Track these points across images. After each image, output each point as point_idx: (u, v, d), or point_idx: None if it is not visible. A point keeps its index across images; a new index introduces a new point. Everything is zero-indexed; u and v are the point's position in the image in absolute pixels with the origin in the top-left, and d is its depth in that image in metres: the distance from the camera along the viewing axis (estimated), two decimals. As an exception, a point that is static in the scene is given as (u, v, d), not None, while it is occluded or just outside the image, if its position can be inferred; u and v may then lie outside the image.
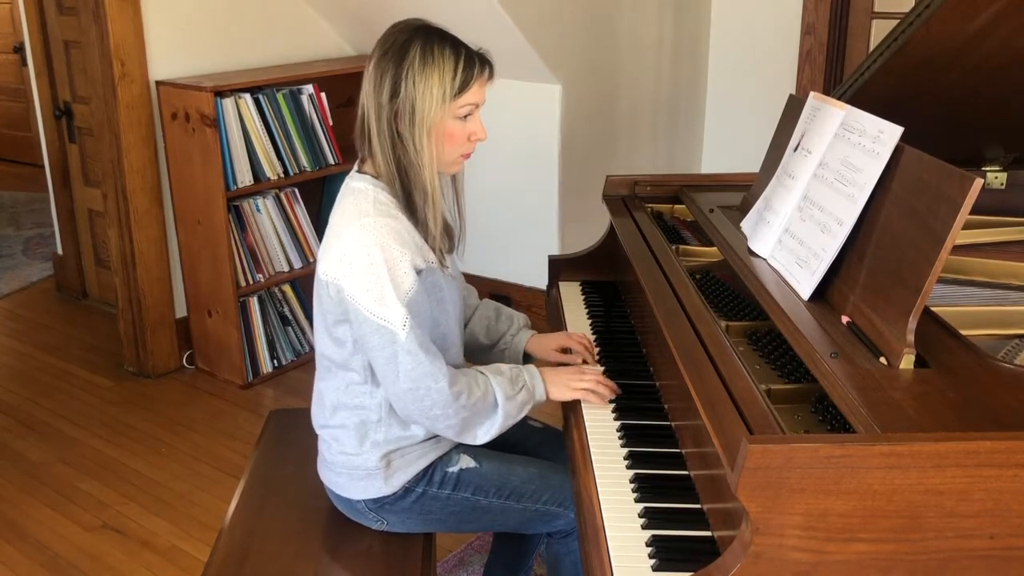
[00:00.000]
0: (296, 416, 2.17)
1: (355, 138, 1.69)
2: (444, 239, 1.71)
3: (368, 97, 1.62)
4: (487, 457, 1.77)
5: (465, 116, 1.64)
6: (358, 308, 1.57)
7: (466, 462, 1.75)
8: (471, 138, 1.67)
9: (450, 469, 1.74)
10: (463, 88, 1.60)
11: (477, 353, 1.97)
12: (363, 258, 1.56)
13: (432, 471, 1.73)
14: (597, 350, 1.96)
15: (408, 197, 1.64)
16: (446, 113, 1.61)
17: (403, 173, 1.63)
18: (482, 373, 1.69)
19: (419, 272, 1.61)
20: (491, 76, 1.66)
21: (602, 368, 1.87)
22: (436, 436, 1.73)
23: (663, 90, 4.16)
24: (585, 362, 1.89)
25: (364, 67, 1.65)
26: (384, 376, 1.61)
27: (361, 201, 1.62)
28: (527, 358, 1.98)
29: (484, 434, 1.68)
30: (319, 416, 1.78)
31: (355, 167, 1.72)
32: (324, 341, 1.71)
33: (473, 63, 1.62)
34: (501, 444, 1.85)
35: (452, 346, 1.75)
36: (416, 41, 1.59)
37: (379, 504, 1.73)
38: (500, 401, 1.66)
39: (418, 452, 1.72)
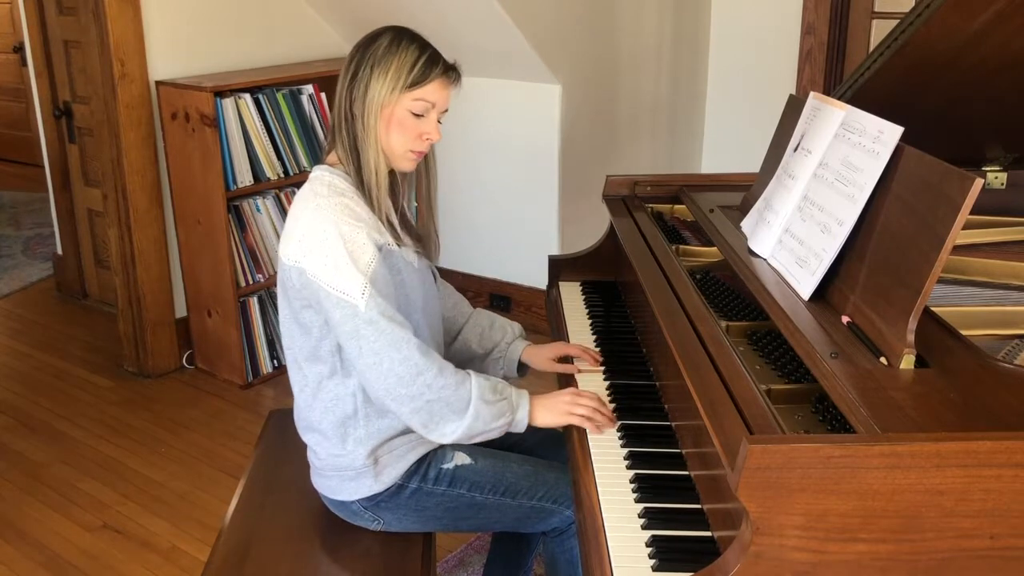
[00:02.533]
0: (296, 416, 2.16)
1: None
2: (405, 233, 1.74)
3: (339, 83, 1.69)
4: (482, 454, 1.77)
5: (420, 113, 1.67)
6: (320, 285, 1.58)
7: (461, 459, 1.74)
8: (423, 137, 1.69)
9: (445, 466, 1.73)
10: (419, 81, 1.65)
11: (471, 362, 1.96)
12: (319, 235, 1.59)
13: (427, 467, 1.73)
14: (597, 350, 1.96)
15: (360, 179, 1.68)
16: (397, 101, 1.65)
17: (355, 152, 1.67)
18: (467, 373, 1.65)
19: (379, 248, 1.63)
20: (456, 81, 1.70)
21: (605, 379, 1.87)
22: None
23: (663, 90, 4.16)
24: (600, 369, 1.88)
25: None
26: (351, 355, 1.60)
27: (316, 186, 1.67)
28: (522, 368, 1.97)
29: (452, 432, 1.62)
30: (300, 421, 1.79)
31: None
32: (291, 333, 1.71)
33: (437, 62, 1.67)
34: (498, 443, 1.85)
35: (423, 337, 1.71)
36: (386, 34, 1.67)
37: (373, 502, 1.73)
38: (473, 399, 1.61)
39: (406, 446, 1.72)
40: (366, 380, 1.62)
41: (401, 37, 1.66)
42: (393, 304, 1.62)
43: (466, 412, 1.62)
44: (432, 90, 1.66)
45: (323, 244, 1.58)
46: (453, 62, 1.71)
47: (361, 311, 1.56)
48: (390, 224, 1.70)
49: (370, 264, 1.59)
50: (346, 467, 1.71)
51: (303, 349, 1.70)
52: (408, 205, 1.82)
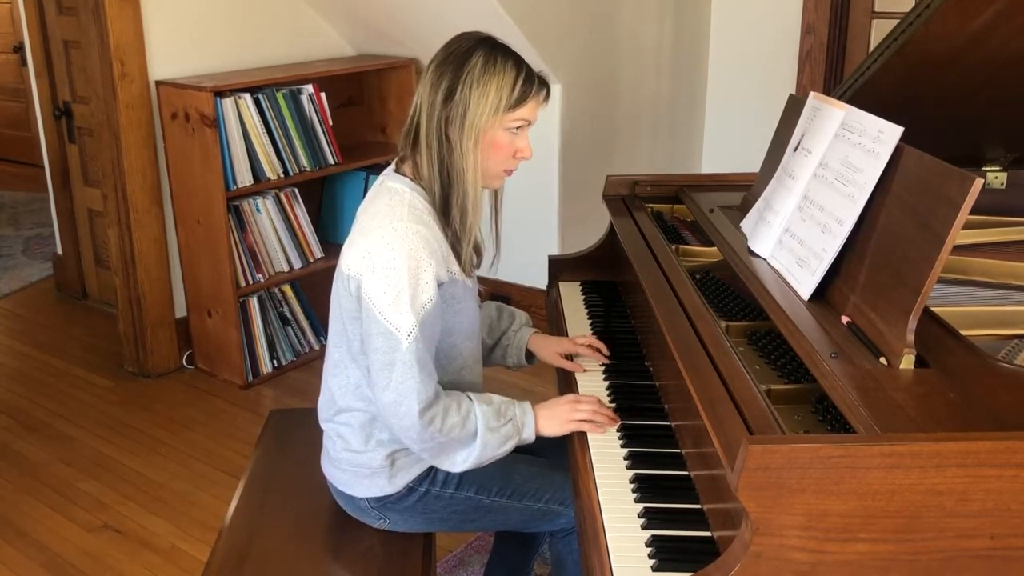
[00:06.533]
0: (296, 416, 2.17)
1: (400, 136, 1.69)
2: (473, 253, 1.71)
3: (423, 97, 1.63)
4: (489, 457, 1.77)
5: (516, 129, 1.64)
6: (371, 308, 1.57)
7: (468, 462, 1.74)
8: (516, 155, 1.67)
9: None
10: (519, 103, 1.62)
11: (482, 354, 1.96)
12: (388, 260, 1.56)
13: (435, 470, 1.73)
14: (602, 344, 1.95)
15: (445, 202, 1.64)
16: (497, 123, 1.61)
17: (445, 176, 1.63)
18: (469, 399, 1.66)
19: (440, 285, 1.61)
20: (547, 98, 1.67)
21: (605, 379, 1.87)
22: None
23: (663, 90, 4.16)
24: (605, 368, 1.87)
25: (422, 73, 1.66)
26: (376, 382, 1.59)
27: (396, 203, 1.62)
28: (531, 356, 1.98)
29: (462, 462, 1.65)
30: (325, 411, 1.78)
31: (392, 166, 1.72)
32: (337, 335, 1.71)
33: (532, 80, 1.64)
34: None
35: (460, 356, 1.74)
36: (480, 50, 1.61)
37: (382, 503, 1.73)
38: (480, 431, 1.63)
39: (423, 452, 1.72)
40: (383, 414, 1.62)
41: (495, 52, 1.61)
42: (433, 347, 1.62)
43: (474, 442, 1.63)
44: (530, 109, 1.64)
45: (389, 272, 1.55)
46: (542, 73, 1.67)
47: (402, 350, 1.55)
48: (469, 250, 1.67)
49: (426, 305, 1.57)
50: (363, 464, 1.71)
51: (345, 354, 1.70)
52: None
